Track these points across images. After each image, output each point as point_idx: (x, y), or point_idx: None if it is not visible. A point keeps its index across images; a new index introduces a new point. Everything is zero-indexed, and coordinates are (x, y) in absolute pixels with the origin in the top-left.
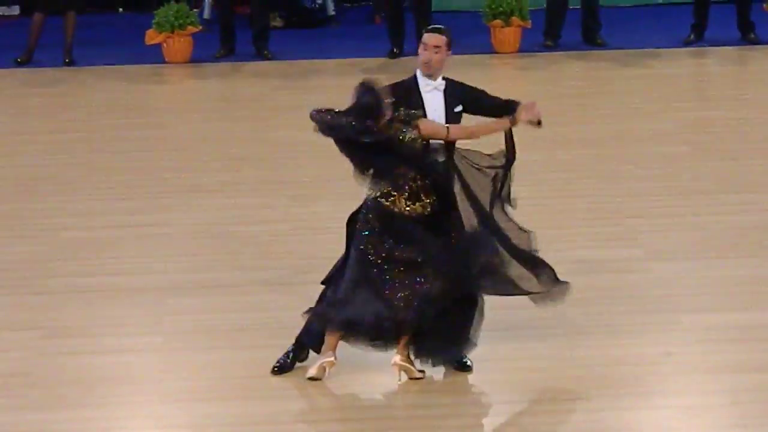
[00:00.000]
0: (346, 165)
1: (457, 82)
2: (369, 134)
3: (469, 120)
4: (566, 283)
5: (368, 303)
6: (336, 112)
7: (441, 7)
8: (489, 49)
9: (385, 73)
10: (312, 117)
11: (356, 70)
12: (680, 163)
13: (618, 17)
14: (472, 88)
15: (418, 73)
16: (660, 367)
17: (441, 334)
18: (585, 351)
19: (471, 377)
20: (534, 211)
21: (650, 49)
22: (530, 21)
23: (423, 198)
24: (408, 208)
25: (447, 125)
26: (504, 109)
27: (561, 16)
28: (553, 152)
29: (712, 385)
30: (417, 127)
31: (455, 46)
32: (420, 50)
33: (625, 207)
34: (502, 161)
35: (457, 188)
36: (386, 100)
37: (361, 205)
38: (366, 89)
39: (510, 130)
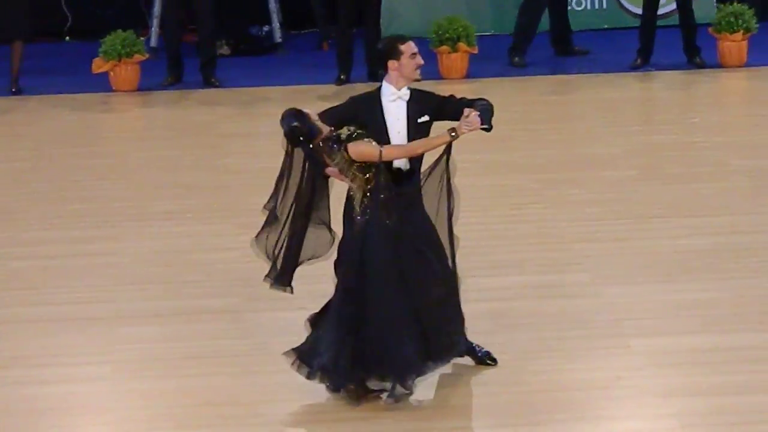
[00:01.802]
0: None
1: (422, 91)
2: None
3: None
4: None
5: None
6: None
7: (389, 33)
8: (436, 76)
9: (334, 100)
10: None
11: (304, 97)
12: (628, 187)
13: None
14: (434, 95)
15: (384, 85)
16: (610, 392)
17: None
18: (534, 376)
19: (419, 401)
20: (482, 236)
21: (597, 74)
22: (477, 47)
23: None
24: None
25: (378, 147)
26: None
27: (532, 35)
28: (501, 177)
29: (661, 409)
30: (346, 149)
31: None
32: (406, 60)
33: (572, 231)
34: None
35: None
36: (314, 121)
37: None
38: (293, 115)
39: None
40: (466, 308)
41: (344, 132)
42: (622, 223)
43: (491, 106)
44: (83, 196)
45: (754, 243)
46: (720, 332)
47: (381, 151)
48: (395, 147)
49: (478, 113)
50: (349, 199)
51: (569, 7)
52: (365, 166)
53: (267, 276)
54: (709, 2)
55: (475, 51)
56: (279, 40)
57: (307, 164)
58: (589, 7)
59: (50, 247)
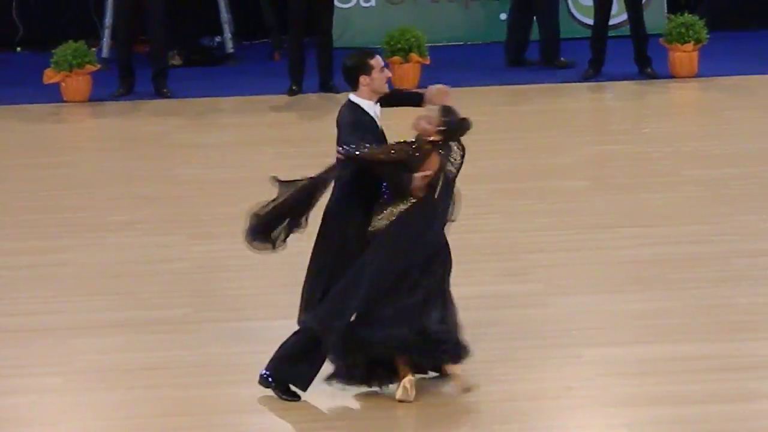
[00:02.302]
0: (246, 203)
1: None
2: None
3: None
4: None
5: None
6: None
7: (341, 44)
8: (388, 86)
9: (285, 110)
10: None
11: (256, 107)
12: (580, 197)
13: None
14: None
15: (357, 99)
16: (561, 402)
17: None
18: (486, 386)
19: (370, 413)
20: None
21: (549, 84)
22: (429, 57)
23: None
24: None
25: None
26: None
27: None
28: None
29: (612, 419)
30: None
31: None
32: (377, 74)
33: (524, 241)
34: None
35: None
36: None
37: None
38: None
39: None
40: None
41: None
42: (573, 233)
43: None
44: (35, 206)
45: (704, 253)
46: (670, 342)
47: None
48: None
49: None
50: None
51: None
52: None
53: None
54: (660, 13)
55: (427, 61)
56: (231, 50)
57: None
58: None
59: (1, 259)
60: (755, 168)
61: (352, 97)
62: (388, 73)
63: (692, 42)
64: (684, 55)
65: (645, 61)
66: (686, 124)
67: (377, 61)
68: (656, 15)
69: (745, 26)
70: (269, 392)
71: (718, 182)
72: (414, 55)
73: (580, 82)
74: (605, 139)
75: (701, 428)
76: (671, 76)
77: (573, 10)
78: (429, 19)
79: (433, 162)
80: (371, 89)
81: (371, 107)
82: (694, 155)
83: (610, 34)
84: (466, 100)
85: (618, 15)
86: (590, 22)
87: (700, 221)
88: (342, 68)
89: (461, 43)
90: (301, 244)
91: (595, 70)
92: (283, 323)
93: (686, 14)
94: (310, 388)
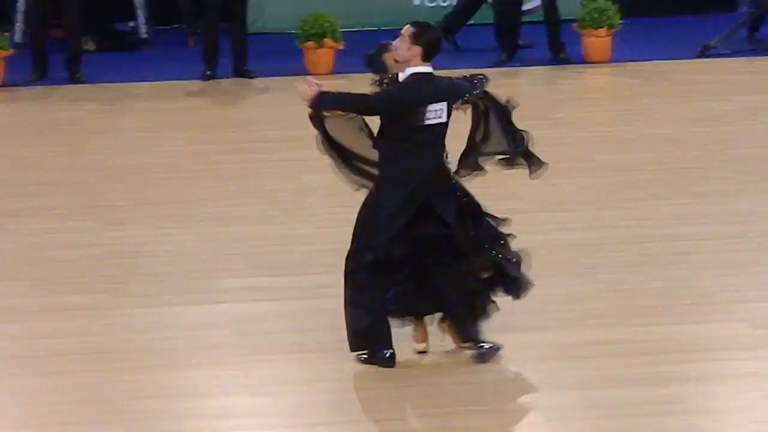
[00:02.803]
0: (161, 189)
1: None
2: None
3: None
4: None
5: None
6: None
7: (256, 29)
8: (303, 72)
9: (201, 96)
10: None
11: (171, 92)
12: (494, 182)
13: None
14: None
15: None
16: (476, 386)
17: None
18: (405, 369)
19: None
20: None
21: (462, 69)
22: (343, 42)
23: None
24: None
25: None
26: None
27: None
28: None
29: (526, 403)
30: None
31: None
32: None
33: None
34: None
35: None
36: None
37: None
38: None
39: None
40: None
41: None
42: None
43: None
44: None
45: (618, 237)
46: (583, 327)
47: None
48: None
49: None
50: None
51: (434, 4)
52: None
53: None
54: None
55: (341, 47)
56: (145, 35)
57: None
58: (454, 2)
59: None
60: (667, 153)
61: None
62: (393, 54)
63: (605, 27)
64: (597, 41)
65: (558, 46)
66: (599, 110)
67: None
68: (570, 0)
69: (658, 12)
70: (188, 376)
71: (631, 167)
72: (328, 41)
73: (493, 67)
74: (518, 124)
75: (614, 413)
76: (585, 62)
77: None
78: (343, 4)
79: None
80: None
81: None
82: (607, 140)
83: (523, 20)
84: None
85: (531, 1)
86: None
87: (612, 206)
88: None
89: (375, 28)
90: (218, 230)
91: (509, 56)
92: (198, 308)
93: (600, 0)
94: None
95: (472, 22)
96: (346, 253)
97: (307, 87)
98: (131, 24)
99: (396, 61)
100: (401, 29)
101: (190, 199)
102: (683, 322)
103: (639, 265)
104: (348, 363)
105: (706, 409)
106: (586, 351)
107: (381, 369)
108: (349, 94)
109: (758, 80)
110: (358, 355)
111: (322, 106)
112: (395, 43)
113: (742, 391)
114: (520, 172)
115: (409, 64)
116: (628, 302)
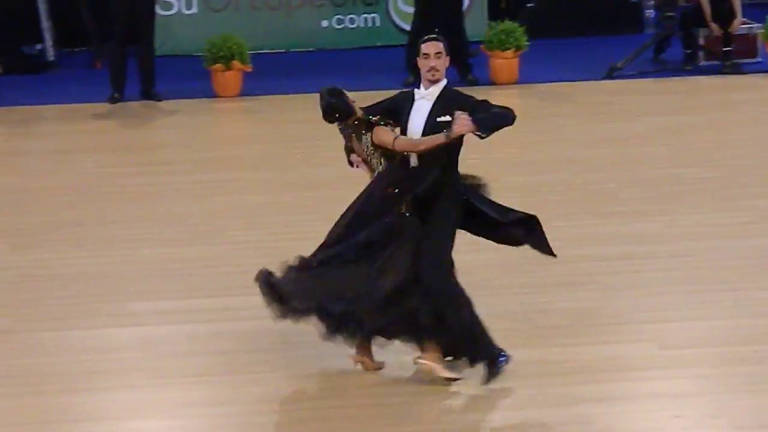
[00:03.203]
0: (69, 212)
1: (459, 92)
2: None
3: None
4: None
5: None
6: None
7: (163, 52)
8: (211, 93)
9: (108, 118)
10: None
11: (78, 115)
12: None
13: (340, 59)
14: (469, 98)
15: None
16: (385, 409)
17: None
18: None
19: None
20: (258, 254)
21: (367, 91)
22: (251, 65)
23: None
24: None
25: (396, 136)
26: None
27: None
28: (278, 195)
29: (432, 425)
30: (371, 132)
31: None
32: (421, 60)
33: None
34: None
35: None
36: (350, 101)
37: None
38: (331, 93)
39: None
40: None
41: (373, 118)
42: None
43: (503, 117)
44: None
45: (527, 259)
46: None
47: (395, 140)
48: (406, 139)
49: (470, 117)
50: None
51: (342, 26)
52: (388, 157)
53: None
54: (481, 20)
55: (249, 69)
56: (52, 58)
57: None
58: (362, 24)
59: None
60: (574, 174)
61: None
62: (430, 62)
63: (513, 49)
64: (504, 62)
65: (466, 67)
66: (506, 131)
67: (425, 46)
68: (477, 22)
69: (565, 33)
70: (97, 400)
71: (538, 188)
72: (236, 63)
73: (400, 88)
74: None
75: None
76: (492, 83)
77: (394, 17)
78: (251, 27)
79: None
80: (421, 73)
81: (419, 93)
82: (514, 162)
83: None
84: (287, 107)
85: None
86: (409, 27)
87: None
88: None
89: (283, 50)
90: (128, 252)
91: (417, 77)
92: (107, 331)
93: (507, 21)
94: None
95: (378, 43)
96: (255, 274)
97: (464, 118)
98: (38, 46)
99: None
100: (309, 50)
101: (99, 222)
102: (591, 342)
103: (547, 286)
104: (258, 386)
105: (614, 429)
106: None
107: (289, 392)
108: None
109: (665, 101)
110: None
111: (490, 128)
112: None
113: (651, 411)
114: None
115: None
116: (537, 323)
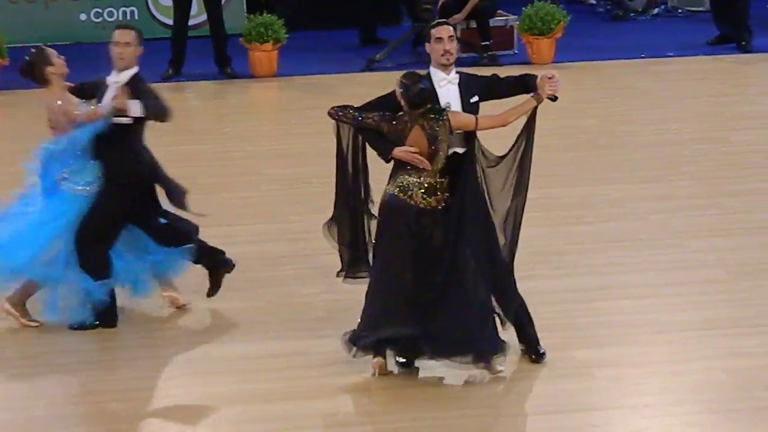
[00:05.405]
0: None
1: (470, 73)
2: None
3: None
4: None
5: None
6: (357, 109)
7: None
8: None
9: None
10: (332, 116)
11: None
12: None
13: (98, 53)
14: (480, 77)
15: (432, 70)
16: (143, 403)
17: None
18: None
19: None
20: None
21: None
22: (8, 58)
23: (438, 193)
24: (423, 202)
25: (476, 116)
26: (522, 85)
27: None
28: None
29: (193, 418)
30: (447, 119)
31: None
32: (432, 44)
33: None
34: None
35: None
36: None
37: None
38: (417, 78)
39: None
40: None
41: (431, 106)
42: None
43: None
44: None
45: (286, 251)
46: (252, 341)
47: (477, 120)
48: (488, 117)
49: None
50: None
51: (100, 19)
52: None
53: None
54: (240, 13)
55: (7, 63)
56: None
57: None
58: (121, 17)
59: None
60: (332, 166)
61: (430, 66)
62: (445, 46)
63: (271, 42)
64: (263, 55)
65: (225, 60)
66: (266, 123)
67: (436, 30)
68: (236, 15)
69: (323, 26)
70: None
71: (297, 180)
72: None
73: (159, 82)
74: (186, 138)
75: (285, 425)
76: (251, 76)
77: (153, 11)
78: (8, 19)
79: (415, 137)
80: (432, 58)
81: (444, 79)
82: (274, 154)
83: (190, 34)
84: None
85: (198, 15)
86: (170, 22)
87: (281, 220)
88: None
89: (42, 43)
90: None
91: (175, 71)
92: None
93: (265, 14)
94: None
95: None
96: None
97: (555, 80)
98: None
99: None
100: (67, 43)
101: None
102: None
103: (307, 278)
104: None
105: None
106: (254, 365)
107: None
108: None
109: None
110: None
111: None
112: None
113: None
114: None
115: None
116: (297, 315)
